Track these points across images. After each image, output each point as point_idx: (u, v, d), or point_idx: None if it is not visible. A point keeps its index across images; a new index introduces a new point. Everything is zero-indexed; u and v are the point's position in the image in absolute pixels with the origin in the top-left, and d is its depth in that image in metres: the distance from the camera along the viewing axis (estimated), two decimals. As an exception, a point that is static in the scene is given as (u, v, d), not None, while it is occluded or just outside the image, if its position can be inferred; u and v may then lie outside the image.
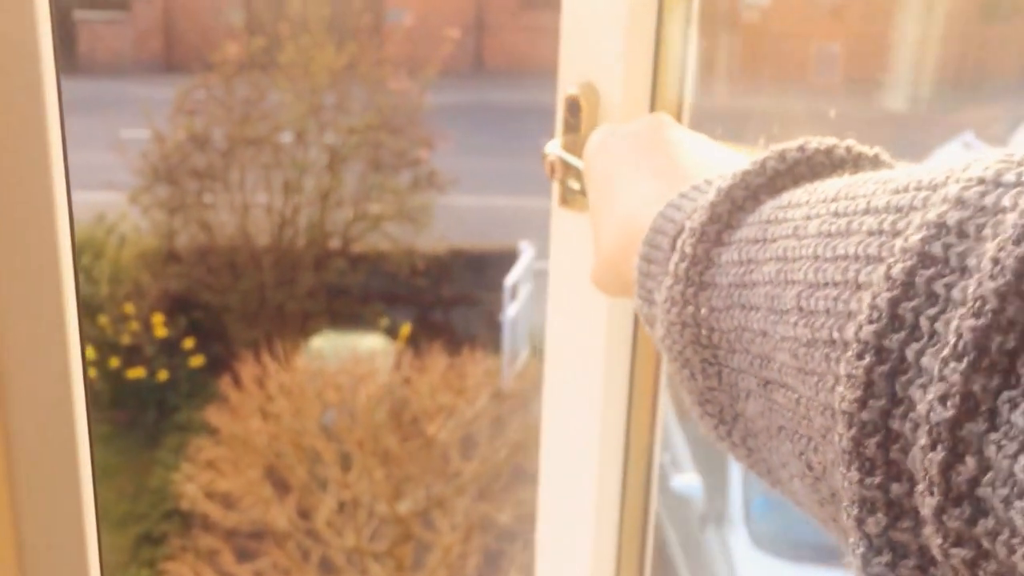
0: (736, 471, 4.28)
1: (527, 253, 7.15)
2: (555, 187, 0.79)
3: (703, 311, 0.39)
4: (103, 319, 6.49)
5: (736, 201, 0.40)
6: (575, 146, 0.73)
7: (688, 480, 4.32)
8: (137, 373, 6.37)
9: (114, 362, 6.36)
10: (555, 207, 0.81)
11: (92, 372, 6.30)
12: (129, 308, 6.55)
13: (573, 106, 0.77)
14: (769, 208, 0.38)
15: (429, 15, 10.36)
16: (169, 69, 10.84)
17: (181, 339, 6.55)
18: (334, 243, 7.22)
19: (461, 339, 5.90)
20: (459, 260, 7.56)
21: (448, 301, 7.48)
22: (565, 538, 0.93)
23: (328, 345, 6.28)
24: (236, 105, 7.15)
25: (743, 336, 0.37)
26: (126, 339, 6.46)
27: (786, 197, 0.38)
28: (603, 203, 0.54)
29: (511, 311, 6.69)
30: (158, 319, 6.55)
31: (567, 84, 0.78)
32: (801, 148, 0.41)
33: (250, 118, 7.14)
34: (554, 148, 0.74)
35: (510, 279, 6.82)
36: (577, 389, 0.87)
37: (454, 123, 8.23)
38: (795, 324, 0.33)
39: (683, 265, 0.40)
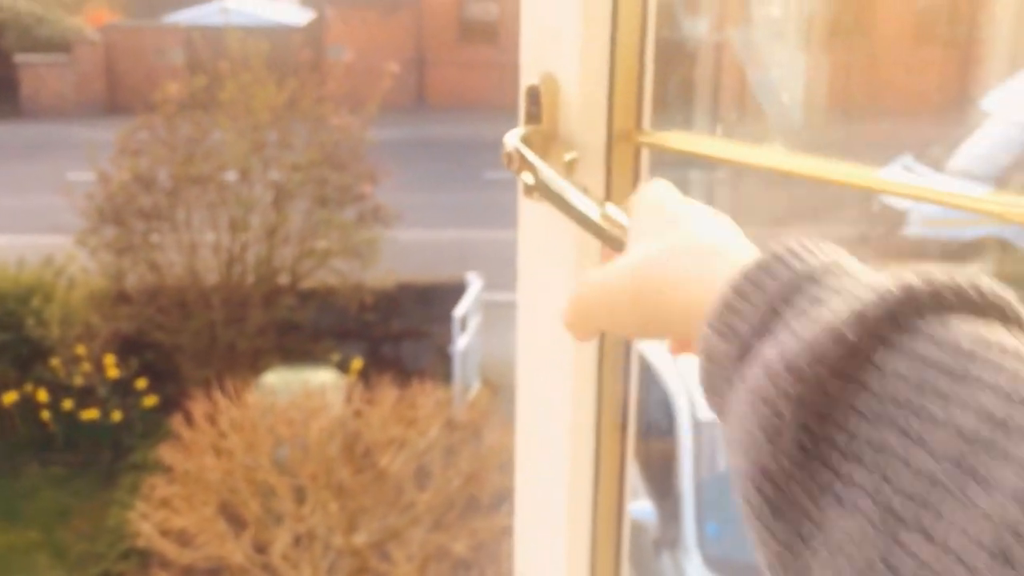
0: (689, 497, 4.31)
1: (475, 285, 7.20)
2: (520, 180, 0.75)
3: (840, 409, 0.34)
4: (55, 361, 6.50)
5: (920, 300, 0.35)
6: (536, 136, 0.76)
7: (641, 506, 4.37)
8: (91, 414, 6.38)
9: (67, 404, 6.37)
10: (520, 198, 0.81)
11: (45, 414, 6.33)
12: (81, 350, 6.55)
13: (534, 96, 0.78)
14: (968, 337, 0.33)
15: (368, 51, 10.45)
16: (112, 110, 10.80)
17: (133, 379, 6.56)
18: (283, 279, 7.25)
19: (412, 372, 5.94)
20: (407, 293, 7.59)
21: (398, 334, 7.53)
22: (540, 560, 0.94)
23: (279, 380, 6.31)
24: (179, 144, 7.17)
25: (883, 458, 0.32)
26: (79, 381, 6.46)
27: (981, 330, 0.33)
28: (657, 226, 0.51)
29: (461, 343, 6.73)
30: (110, 360, 6.55)
31: (528, 75, 0.79)
32: (975, 286, 0.35)
33: (194, 157, 7.16)
34: (513, 139, 0.72)
35: (459, 311, 6.85)
36: (548, 387, 0.88)
37: (397, 158, 8.29)
38: (982, 526, 0.29)
39: (836, 349, 0.34)
